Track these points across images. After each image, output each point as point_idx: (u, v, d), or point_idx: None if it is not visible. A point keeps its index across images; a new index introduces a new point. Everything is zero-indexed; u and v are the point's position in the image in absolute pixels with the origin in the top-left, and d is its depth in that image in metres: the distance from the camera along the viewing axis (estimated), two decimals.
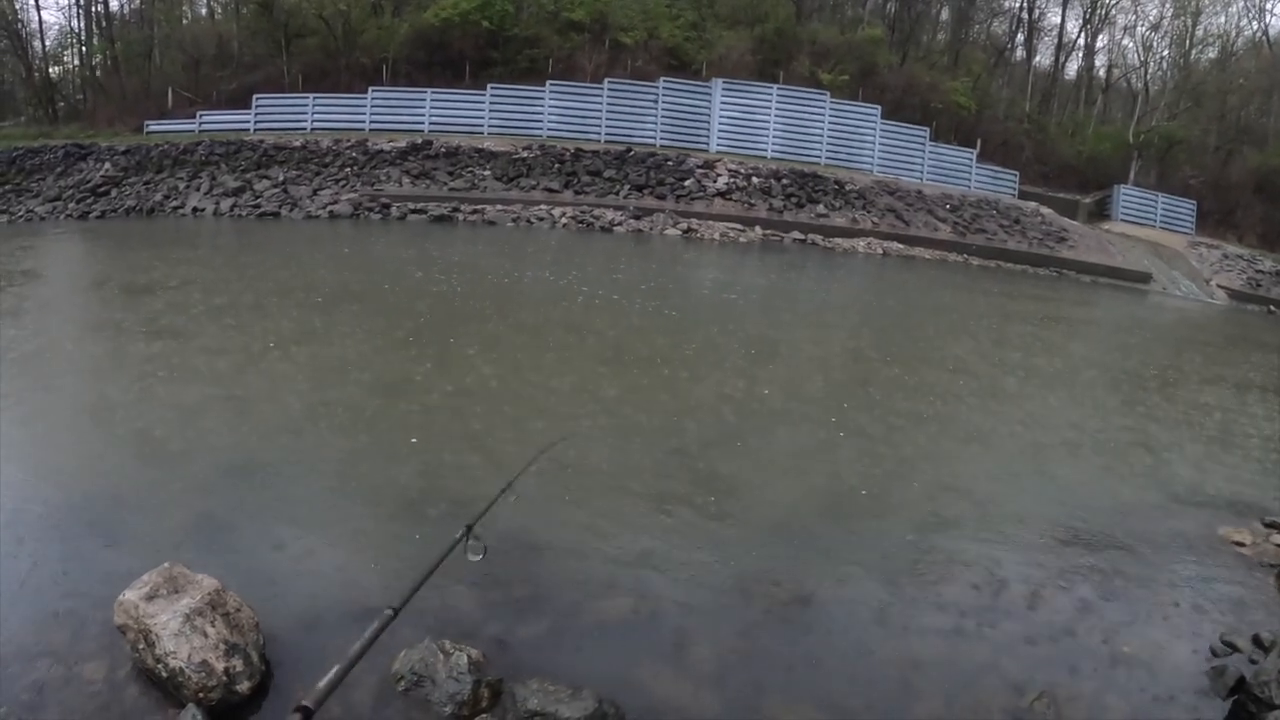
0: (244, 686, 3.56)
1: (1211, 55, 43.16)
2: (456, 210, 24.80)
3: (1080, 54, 45.72)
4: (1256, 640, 4.77)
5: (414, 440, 6.90)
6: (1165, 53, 43.75)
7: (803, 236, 26.23)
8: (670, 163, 28.93)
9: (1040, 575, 5.45)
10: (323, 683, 1.85)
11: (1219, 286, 30.20)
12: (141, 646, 3.60)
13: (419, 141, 28.63)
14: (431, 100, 30.77)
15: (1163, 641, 4.80)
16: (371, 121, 30.36)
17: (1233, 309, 27.73)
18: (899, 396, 9.88)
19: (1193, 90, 41.23)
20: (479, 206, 25.25)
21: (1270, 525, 7.31)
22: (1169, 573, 5.78)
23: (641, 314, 13.24)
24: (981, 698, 4.12)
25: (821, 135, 32.11)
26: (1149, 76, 43.56)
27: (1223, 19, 43.87)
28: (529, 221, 24.62)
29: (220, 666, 3.51)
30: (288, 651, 3.89)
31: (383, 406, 7.83)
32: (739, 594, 4.88)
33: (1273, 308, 27.94)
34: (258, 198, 24.70)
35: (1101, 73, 45.48)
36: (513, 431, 7.29)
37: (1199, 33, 42.79)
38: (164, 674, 3.52)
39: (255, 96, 30.93)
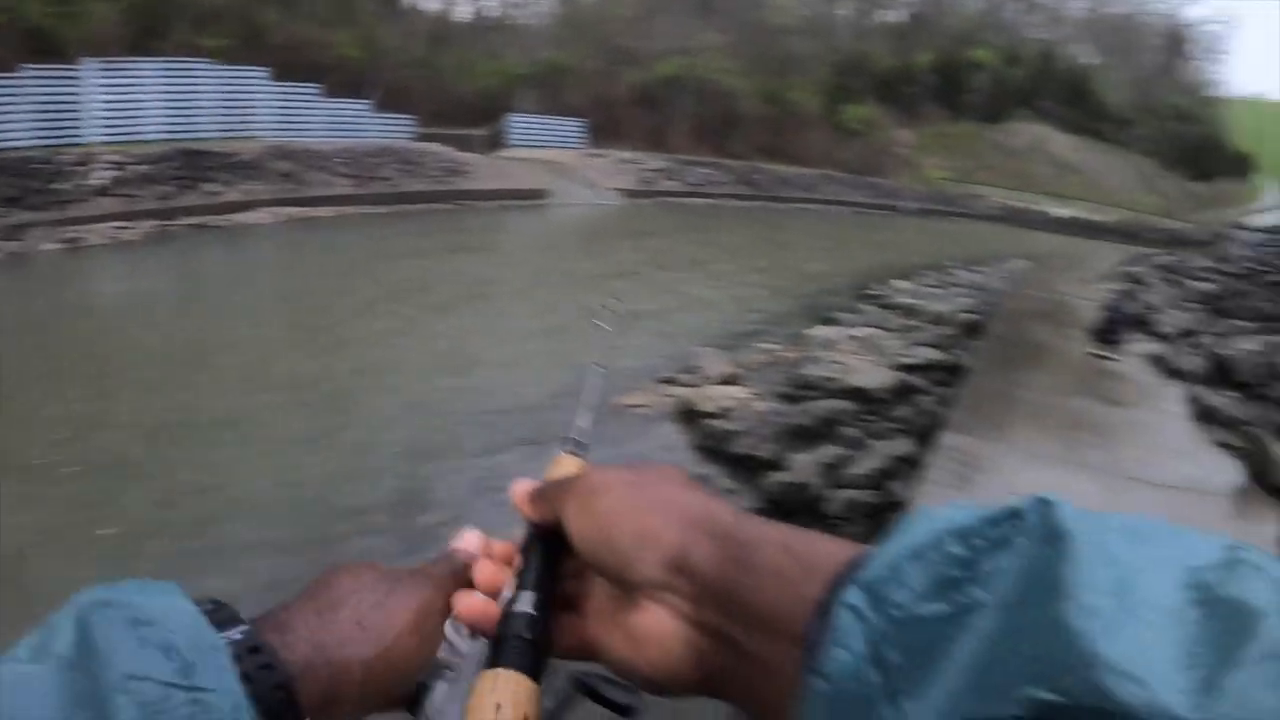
0: None
1: None
2: None
3: None
4: None
5: None
6: None
7: (198, 220, 25.34)
8: (40, 165, 25.84)
9: None
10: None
11: (612, 189, 34.79)
12: None
13: None
14: None
15: None
16: None
17: (629, 205, 33.44)
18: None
19: (575, 22, 47.17)
20: None
21: (663, 382, 10.11)
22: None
23: None
24: None
25: (207, 108, 30.74)
26: (535, 14, 49.00)
27: None
28: None
29: None
30: None
31: None
32: None
33: None
34: None
35: (493, 14, 49.02)
36: None
37: None
38: None
39: None
